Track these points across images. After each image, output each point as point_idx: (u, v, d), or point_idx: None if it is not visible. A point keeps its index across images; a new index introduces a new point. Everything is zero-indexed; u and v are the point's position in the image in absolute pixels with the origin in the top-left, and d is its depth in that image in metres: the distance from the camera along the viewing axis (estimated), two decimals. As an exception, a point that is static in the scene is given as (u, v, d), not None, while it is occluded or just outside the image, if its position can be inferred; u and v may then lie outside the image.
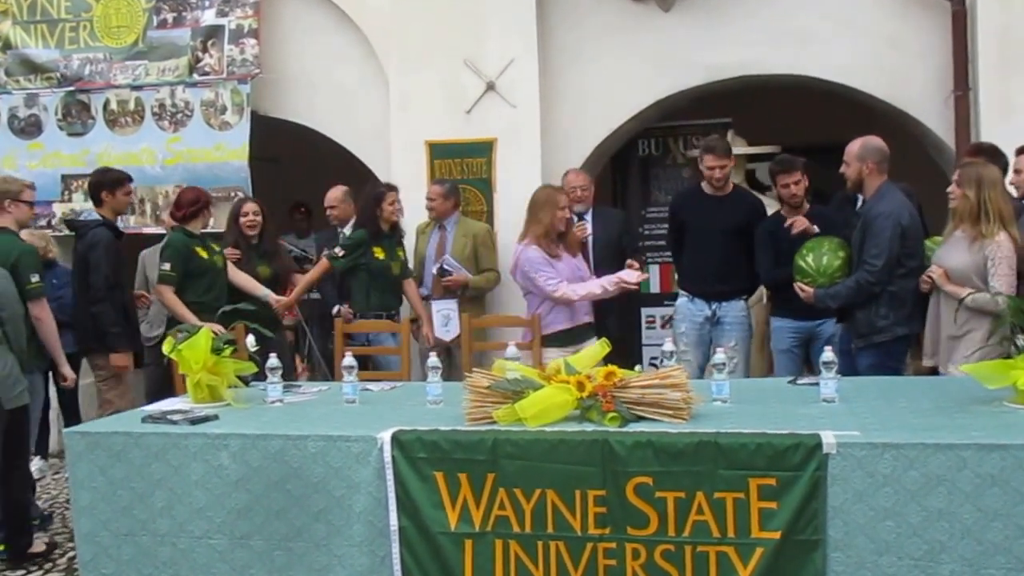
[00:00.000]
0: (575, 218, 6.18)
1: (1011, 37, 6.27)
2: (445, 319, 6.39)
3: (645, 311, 7.29)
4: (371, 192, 6.34)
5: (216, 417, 3.77)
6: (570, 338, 5.49)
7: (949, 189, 4.68)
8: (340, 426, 3.56)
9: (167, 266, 5.88)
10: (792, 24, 6.78)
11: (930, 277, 4.69)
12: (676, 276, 6.59)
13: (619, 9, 7.03)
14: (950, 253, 4.65)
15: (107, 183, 6.05)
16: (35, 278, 5.27)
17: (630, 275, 5.44)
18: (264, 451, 3.47)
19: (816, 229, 5.48)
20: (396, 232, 6.40)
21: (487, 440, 3.29)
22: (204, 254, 5.98)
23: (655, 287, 6.92)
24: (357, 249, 6.19)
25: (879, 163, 4.97)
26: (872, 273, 4.85)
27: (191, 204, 6.01)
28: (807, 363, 5.77)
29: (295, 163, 8.62)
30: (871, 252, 4.86)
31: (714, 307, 5.93)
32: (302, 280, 6.53)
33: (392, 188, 6.35)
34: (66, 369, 5.60)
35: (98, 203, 6.07)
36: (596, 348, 3.86)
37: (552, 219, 5.41)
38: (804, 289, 5.19)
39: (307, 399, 4.25)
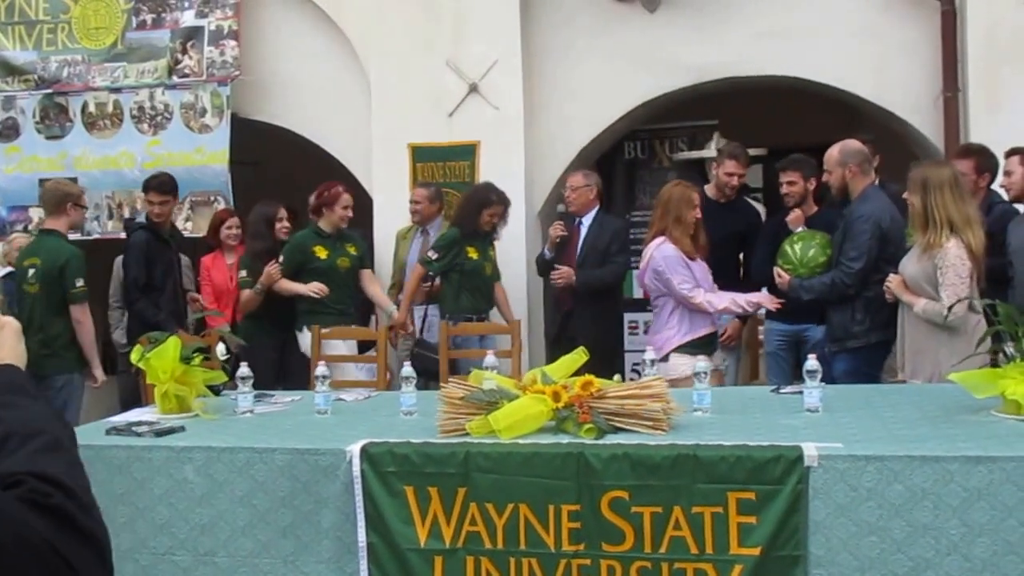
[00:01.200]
0: (574, 220, 6.14)
1: (1001, 37, 6.18)
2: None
3: (628, 316, 7.11)
4: (479, 195, 6.13)
5: (183, 429, 3.67)
6: (708, 345, 5.06)
7: (904, 194, 4.49)
8: (309, 438, 3.47)
9: (281, 259, 5.93)
10: (779, 25, 6.67)
11: (889, 286, 4.52)
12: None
13: (604, 10, 6.92)
14: (906, 261, 4.47)
15: (143, 188, 6.38)
16: (80, 282, 5.54)
17: (770, 301, 5.10)
18: (230, 464, 3.37)
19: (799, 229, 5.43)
20: (490, 234, 6.17)
21: (459, 453, 3.19)
22: (323, 254, 5.84)
23: (638, 292, 6.76)
24: (451, 249, 5.98)
25: (861, 164, 4.88)
26: (848, 275, 4.77)
27: (315, 199, 5.97)
28: (798, 367, 5.68)
29: (275, 167, 8.51)
30: (849, 254, 4.78)
31: None
32: (404, 292, 6.30)
33: (503, 202, 6.08)
34: (98, 371, 5.78)
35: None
36: (574, 356, 3.75)
37: (689, 216, 5.04)
38: (781, 275, 5.09)
39: (278, 409, 4.14)
